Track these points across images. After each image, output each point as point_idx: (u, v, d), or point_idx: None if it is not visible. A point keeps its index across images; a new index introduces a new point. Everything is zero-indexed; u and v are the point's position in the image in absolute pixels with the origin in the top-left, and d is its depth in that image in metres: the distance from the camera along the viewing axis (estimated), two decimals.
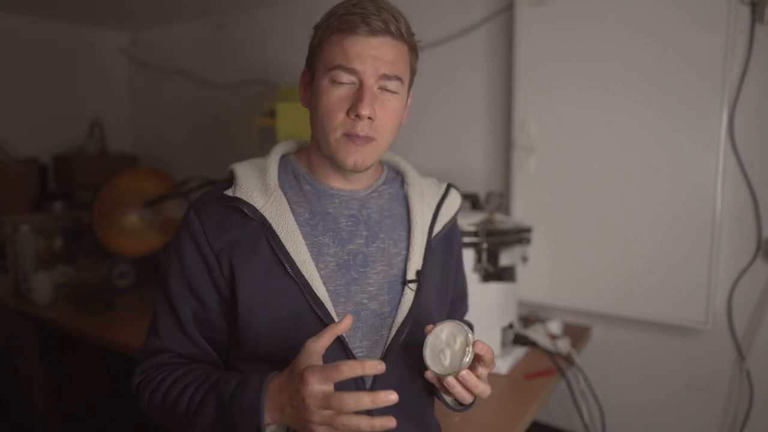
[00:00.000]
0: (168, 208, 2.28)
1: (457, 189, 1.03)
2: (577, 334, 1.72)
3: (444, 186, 1.01)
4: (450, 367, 0.75)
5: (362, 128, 0.80)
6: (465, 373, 0.74)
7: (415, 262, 0.89)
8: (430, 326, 0.78)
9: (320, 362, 0.72)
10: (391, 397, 0.65)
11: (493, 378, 1.44)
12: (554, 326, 1.68)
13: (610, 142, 1.63)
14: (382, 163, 1.00)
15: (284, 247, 0.81)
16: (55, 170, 2.79)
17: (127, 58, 3.19)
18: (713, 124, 1.49)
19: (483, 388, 0.77)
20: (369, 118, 0.80)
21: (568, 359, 1.56)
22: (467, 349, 0.73)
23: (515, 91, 1.77)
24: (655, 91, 1.55)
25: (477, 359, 0.77)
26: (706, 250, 1.51)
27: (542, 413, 1.86)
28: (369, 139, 0.82)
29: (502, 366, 1.46)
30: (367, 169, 0.85)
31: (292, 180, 0.89)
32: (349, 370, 0.67)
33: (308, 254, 0.82)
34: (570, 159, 1.70)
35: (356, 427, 0.67)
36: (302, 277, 0.81)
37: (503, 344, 1.54)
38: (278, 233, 0.82)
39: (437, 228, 0.94)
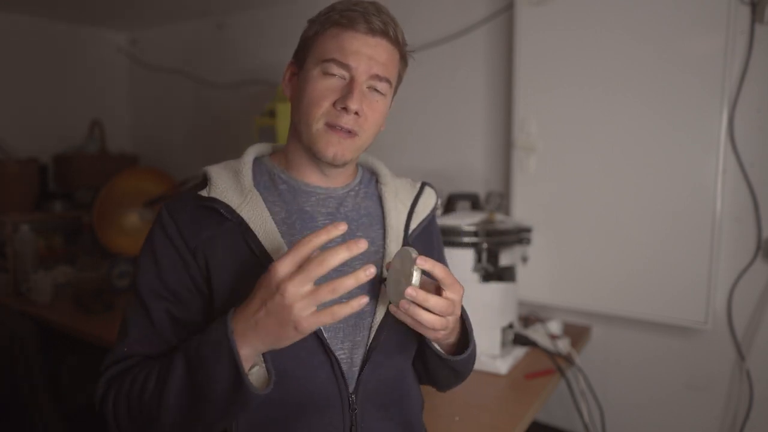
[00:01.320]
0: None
1: (433, 187, 1.01)
2: (577, 334, 1.72)
3: (418, 185, 1.00)
4: (403, 292, 0.70)
5: (347, 121, 0.80)
6: (410, 289, 0.69)
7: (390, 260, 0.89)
8: (389, 262, 0.78)
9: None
10: (360, 243, 0.65)
11: (493, 378, 1.44)
12: (554, 326, 1.68)
13: (610, 142, 1.63)
14: (357, 164, 0.99)
15: (263, 247, 0.79)
16: (55, 170, 2.79)
17: (127, 58, 3.19)
18: (713, 124, 1.49)
19: (437, 302, 0.71)
20: (356, 113, 0.80)
21: (568, 359, 1.56)
22: (412, 268, 0.70)
23: (515, 91, 1.77)
24: (655, 91, 1.55)
25: (436, 286, 0.75)
26: (706, 250, 1.51)
27: (542, 413, 1.86)
28: (352, 134, 0.81)
29: (502, 366, 1.46)
30: (345, 164, 0.85)
31: (267, 180, 0.88)
32: (316, 239, 0.65)
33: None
34: (570, 159, 1.70)
35: (343, 288, 0.64)
36: None
37: (503, 344, 1.54)
38: (256, 233, 0.80)
39: (413, 225, 0.94)
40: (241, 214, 0.81)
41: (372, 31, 0.80)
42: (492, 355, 1.50)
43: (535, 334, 1.63)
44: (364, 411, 0.82)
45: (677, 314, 1.57)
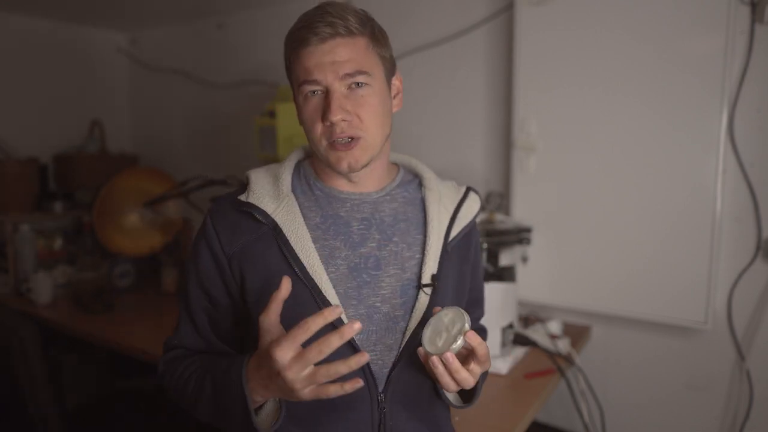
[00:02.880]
0: (168, 208, 2.28)
1: (477, 192, 1.01)
2: (577, 334, 1.72)
3: (463, 189, 1.00)
4: (440, 349, 0.76)
5: (340, 131, 0.80)
6: (449, 355, 0.74)
7: (431, 267, 0.88)
8: (438, 308, 0.79)
9: (282, 332, 0.73)
10: (355, 326, 0.66)
11: (493, 378, 1.44)
12: (554, 326, 1.68)
13: (610, 142, 1.63)
14: (397, 165, 0.99)
15: (293, 250, 0.82)
16: (55, 170, 2.79)
17: (127, 58, 3.19)
18: (713, 124, 1.49)
19: (465, 376, 0.76)
20: (343, 120, 0.80)
21: (568, 359, 1.56)
22: (459, 336, 0.75)
23: (515, 91, 1.77)
24: (655, 91, 1.55)
25: (471, 355, 0.78)
26: (706, 250, 1.51)
27: (542, 413, 1.86)
28: (353, 140, 0.82)
29: (502, 366, 1.46)
30: (364, 166, 0.84)
31: (304, 185, 0.91)
32: (312, 323, 0.68)
33: (318, 257, 0.82)
34: (570, 159, 1.70)
35: (336, 373, 0.68)
36: (311, 280, 0.81)
37: (503, 344, 1.54)
38: (288, 237, 0.83)
39: (454, 232, 0.93)
40: (275, 219, 0.84)
41: (322, 39, 0.80)
42: (492, 355, 1.50)
43: (535, 334, 1.63)
44: (392, 410, 0.84)
45: (677, 314, 1.57)
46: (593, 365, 1.78)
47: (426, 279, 0.87)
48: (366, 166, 0.85)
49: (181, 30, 2.92)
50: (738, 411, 1.58)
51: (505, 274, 1.61)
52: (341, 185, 0.89)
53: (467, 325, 0.75)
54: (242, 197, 0.86)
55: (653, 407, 1.72)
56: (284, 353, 0.68)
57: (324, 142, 0.83)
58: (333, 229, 0.86)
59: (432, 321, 0.78)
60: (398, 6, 2.08)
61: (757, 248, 1.52)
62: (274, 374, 0.70)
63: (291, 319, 0.78)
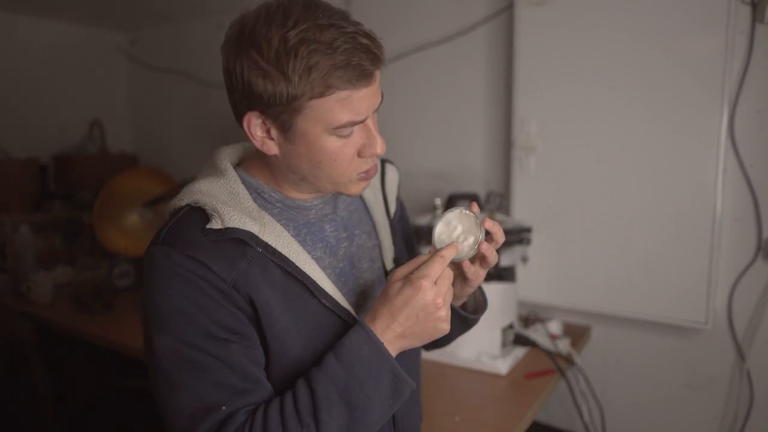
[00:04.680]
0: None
1: (393, 163, 0.99)
2: (577, 334, 1.72)
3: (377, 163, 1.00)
4: (473, 243, 0.77)
5: (375, 161, 0.78)
6: (485, 245, 0.78)
7: (388, 250, 0.90)
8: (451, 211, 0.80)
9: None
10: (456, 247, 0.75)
11: (493, 378, 1.44)
12: (554, 326, 1.68)
13: (610, 142, 1.63)
14: None
15: (299, 269, 0.75)
16: (55, 170, 2.79)
17: (127, 58, 3.19)
18: (713, 125, 1.49)
19: (492, 254, 0.79)
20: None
21: (568, 359, 1.56)
22: (480, 230, 0.77)
23: (515, 91, 1.77)
24: (655, 91, 1.55)
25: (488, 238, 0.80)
26: (706, 250, 1.51)
27: (542, 413, 1.86)
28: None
29: (502, 366, 1.46)
30: None
31: (258, 199, 0.79)
32: (447, 251, 0.73)
33: (322, 272, 0.78)
34: (570, 159, 1.70)
35: (449, 257, 0.74)
36: (329, 297, 0.77)
37: (503, 344, 1.54)
38: (287, 256, 0.75)
39: (392, 207, 0.94)
40: (264, 239, 0.73)
41: (371, 76, 0.69)
42: (492, 355, 1.50)
43: (535, 334, 1.63)
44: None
45: (677, 314, 1.57)
46: (593, 365, 1.78)
47: (389, 263, 0.90)
48: None
49: (180, 30, 2.92)
50: (738, 411, 1.58)
51: (505, 274, 1.61)
52: (306, 195, 0.82)
53: (480, 216, 0.78)
54: (214, 225, 0.71)
55: (653, 407, 1.72)
56: (431, 281, 0.70)
57: (354, 174, 0.76)
58: (310, 239, 0.80)
59: (440, 231, 0.79)
60: (398, 6, 2.08)
61: (758, 248, 1.52)
62: (422, 311, 0.70)
63: (311, 337, 0.76)
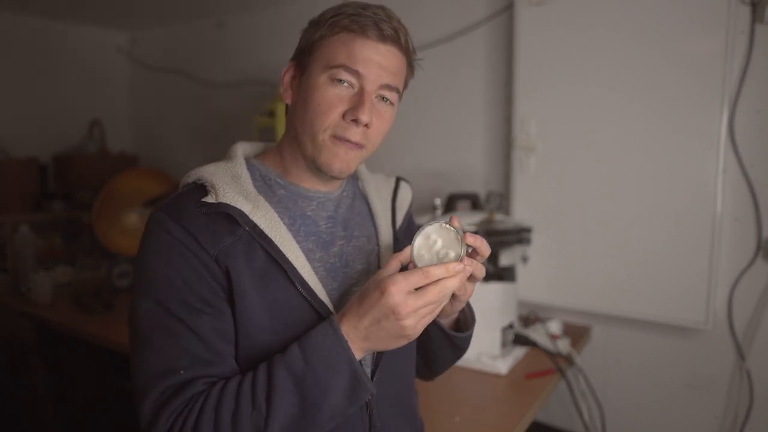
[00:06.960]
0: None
1: (407, 181, 1.02)
2: (577, 334, 1.72)
3: (393, 180, 1.00)
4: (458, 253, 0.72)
5: (355, 134, 0.77)
6: (466, 260, 0.72)
7: (386, 257, 0.89)
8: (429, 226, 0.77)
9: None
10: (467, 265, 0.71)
11: (493, 378, 1.44)
12: (554, 326, 1.68)
13: (610, 142, 1.63)
14: None
15: (282, 253, 0.76)
16: (55, 170, 2.79)
17: (127, 58, 3.19)
18: (713, 124, 1.49)
19: (478, 270, 0.76)
20: (365, 125, 0.77)
21: (568, 359, 1.56)
22: (462, 246, 0.72)
23: (515, 91, 1.77)
24: (655, 91, 1.55)
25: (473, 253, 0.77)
26: (706, 250, 1.51)
27: (542, 413, 1.86)
28: (359, 146, 0.79)
29: (502, 366, 1.46)
30: (348, 175, 0.84)
31: (262, 185, 0.83)
32: (435, 270, 0.68)
33: (306, 261, 0.79)
34: (570, 159, 1.70)
35: (446, 289, 0.69)
36: (306, 284, 0.77)
37: (503, 344, 1.54)
38: (272, 239, 0.76)
39: (399, 221, 0.95)
40: (254, 220, 0.76)
41: (383, 39, 0.76)
42: (492, 355, 1.50)
43: (535, 334, 1.63)
44: (379, 407, 0.84)
45: (677, 314, 1.57)
46: (593, 365, 1.78)
47: None
48: (349, 174, 0.84)
49: (180, 30, 2.92)
50: (738, 411, 1.58)
51: (505, 274, 1.62)
52: (311, 184, 0.85)
53: (461, 231, 0.73)
54: (208, 199, 0.76)
55: (653, 407, 1.72)
56: (400, 288, 0.67)
57: (328, 133, 0.77)
58: (303, 230, 0.82)
59: (419, 245, 0.73)
60: (398, 6, 2.08)
61: (758, 248, 1.52)
62: (383, 316, 0.68)
63: (283, 323, 0.77)
